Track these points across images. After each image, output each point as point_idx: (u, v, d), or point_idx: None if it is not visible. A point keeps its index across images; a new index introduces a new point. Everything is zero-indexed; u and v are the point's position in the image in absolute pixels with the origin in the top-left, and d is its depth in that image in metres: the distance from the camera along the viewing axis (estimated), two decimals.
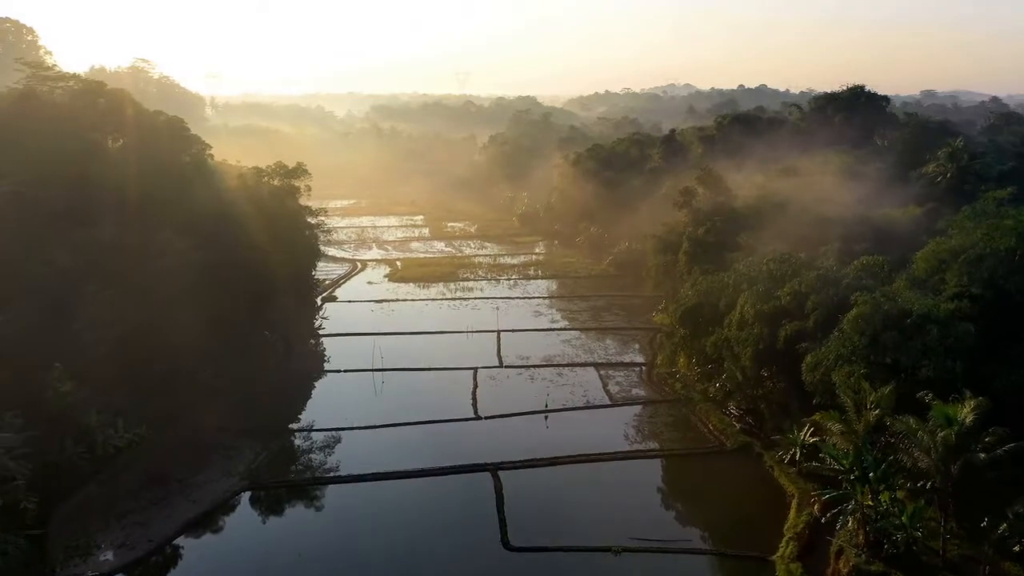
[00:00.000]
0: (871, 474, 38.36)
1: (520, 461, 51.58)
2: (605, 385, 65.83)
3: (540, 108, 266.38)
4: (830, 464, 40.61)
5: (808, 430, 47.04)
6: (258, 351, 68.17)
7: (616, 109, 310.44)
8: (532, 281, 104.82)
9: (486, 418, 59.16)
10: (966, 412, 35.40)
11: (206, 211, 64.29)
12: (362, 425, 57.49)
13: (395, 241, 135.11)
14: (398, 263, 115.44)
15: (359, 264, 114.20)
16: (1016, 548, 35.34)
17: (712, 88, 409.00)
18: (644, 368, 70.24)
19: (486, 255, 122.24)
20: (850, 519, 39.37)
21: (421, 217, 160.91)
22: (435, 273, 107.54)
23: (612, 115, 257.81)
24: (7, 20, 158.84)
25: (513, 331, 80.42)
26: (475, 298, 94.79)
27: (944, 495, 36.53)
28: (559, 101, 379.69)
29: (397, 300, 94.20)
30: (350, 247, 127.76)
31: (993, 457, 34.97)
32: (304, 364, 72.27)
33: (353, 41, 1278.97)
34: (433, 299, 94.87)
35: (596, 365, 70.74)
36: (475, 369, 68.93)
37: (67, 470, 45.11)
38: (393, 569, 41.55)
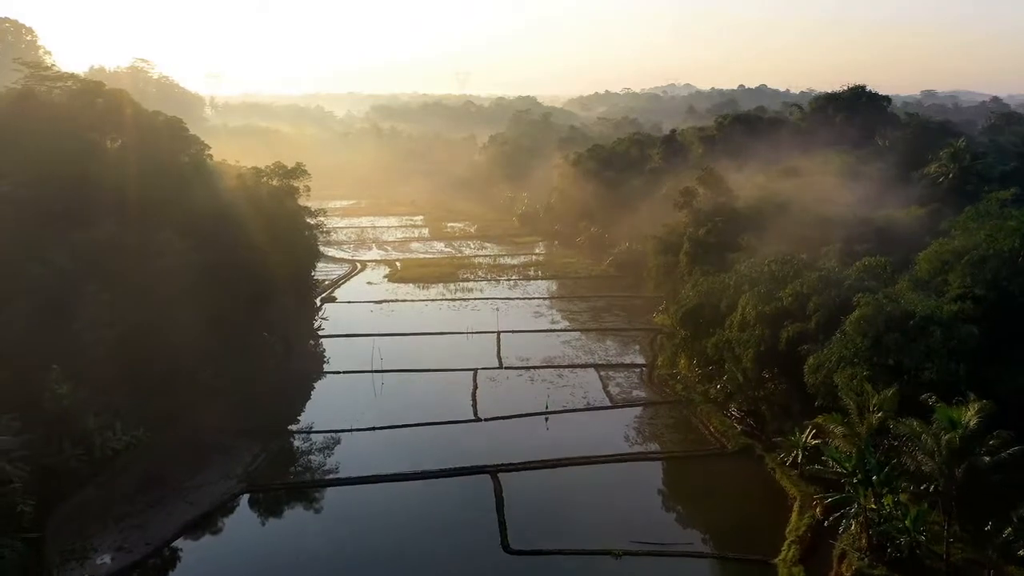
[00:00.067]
0: (874, 477, 38.12)
1: (520, 463, 51.29)
2: (605, 386, 65.57)
3: (540, 108, 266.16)
4: (832, 467, 40.36)
5: (810, 432, 46.82)
6: (257, 352, 67.89)
7: (616, 109, 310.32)
8: (532, 282, 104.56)
9: (486, 420, 58.88)
10: (970, 415, 35.12)
11: (205, 211, 64.07)
12: (361, 427, 57.21)
13: (395, 241, 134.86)
14: (398, 264, 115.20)
15: (359, 264, 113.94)
16: (1021, 552, 35.09)
17: (712, 88, 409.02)
18: (645, 369, 69.98)
19: (486, 255, 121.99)
20: (853, 522, 39.16)
21: (421, 217, 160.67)
22: (435, 274, 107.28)
23: (612, 115, 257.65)
24: (6, 20, 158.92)
25: (513, 332, 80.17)
26: (475, 299, 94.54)
27: (948, 498, 36.23)
28: (559, 101, 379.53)
29: (397, 301, 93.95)
30: (350, 247, 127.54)
31: (997, 460, 34.72)
32: (303, 365, 72.02)
33: (353, 41, 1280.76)
34: (433, 300, 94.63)
35: (596, 366, 70.48)
36: (475, 370, 68.66)
37: (65, 473, 44.84)
38: (392, 572, 41.29)
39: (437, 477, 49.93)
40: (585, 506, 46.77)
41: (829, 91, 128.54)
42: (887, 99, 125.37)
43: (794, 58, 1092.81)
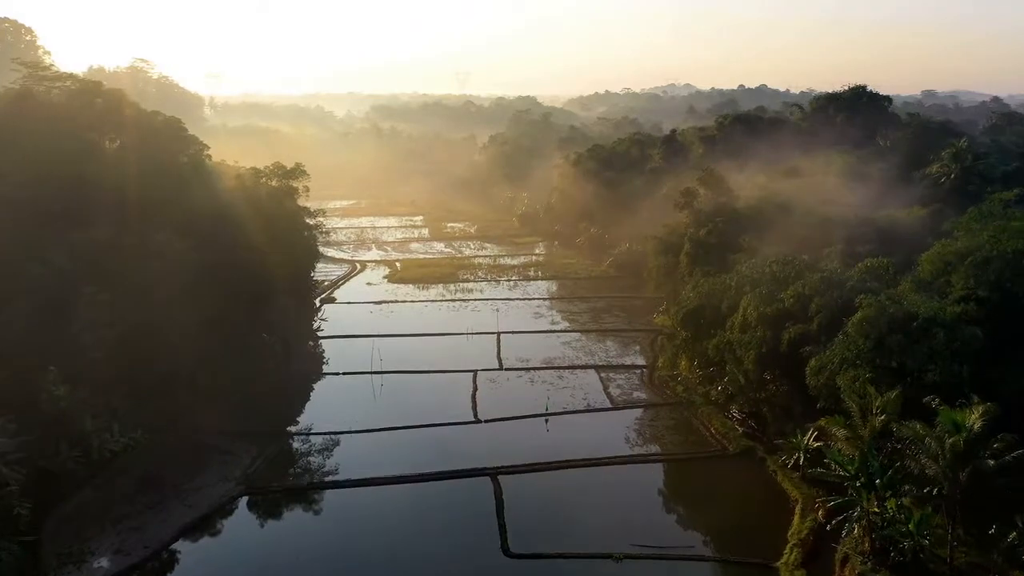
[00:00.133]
0: (877, 480, 37.88)
1: (520, 465, 51.00)
2: (606, 388, 65.31)
3: (540, 108, 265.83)
4: (835, 470, 40.14)
5: (812, 434, 46.53)
6: (256, 353, 67.58)
7: (616, 109, 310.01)
8: (532, 282, 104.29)
9: (486, 421, 58.62)
10: (974, 418, 34.83)
11: (204, 212, 63.77)
12: (361, 428, 56.94)
13: (394, 242, 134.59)
14: (397, 264, 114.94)
15: (358, 265, 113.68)
16: None
17: (712, 88, 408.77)
18: (645, 371, 69.69)
19: (486, 256, 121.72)
20: (856, 526, 38.90)
21: (421, 218, 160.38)
22: (435, 274, 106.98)
23: (612, 115, 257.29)
24: (5, 20, 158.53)
25: (513, 333, 79.90)
26: (475, 299, 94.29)
27: (952, 502, 35.92)
28: (559, 101, 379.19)
29: (396, 301, 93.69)
30: (349, 248, 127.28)
31: (1002, 464, 34.41)
32: (303, 366, 71.76)
33: (353, 41, 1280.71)
34: (432, 300, 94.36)
35: (597, 367, 70.21)
36: (475, 372, 68.39)
37: (62, 475, 44.63)
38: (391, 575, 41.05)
39: (436, 479, 49.69)
40: (585, 508, 46.55)
41: (829, 91, 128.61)
42: (888, 99, 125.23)
43: (794, 58, 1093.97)
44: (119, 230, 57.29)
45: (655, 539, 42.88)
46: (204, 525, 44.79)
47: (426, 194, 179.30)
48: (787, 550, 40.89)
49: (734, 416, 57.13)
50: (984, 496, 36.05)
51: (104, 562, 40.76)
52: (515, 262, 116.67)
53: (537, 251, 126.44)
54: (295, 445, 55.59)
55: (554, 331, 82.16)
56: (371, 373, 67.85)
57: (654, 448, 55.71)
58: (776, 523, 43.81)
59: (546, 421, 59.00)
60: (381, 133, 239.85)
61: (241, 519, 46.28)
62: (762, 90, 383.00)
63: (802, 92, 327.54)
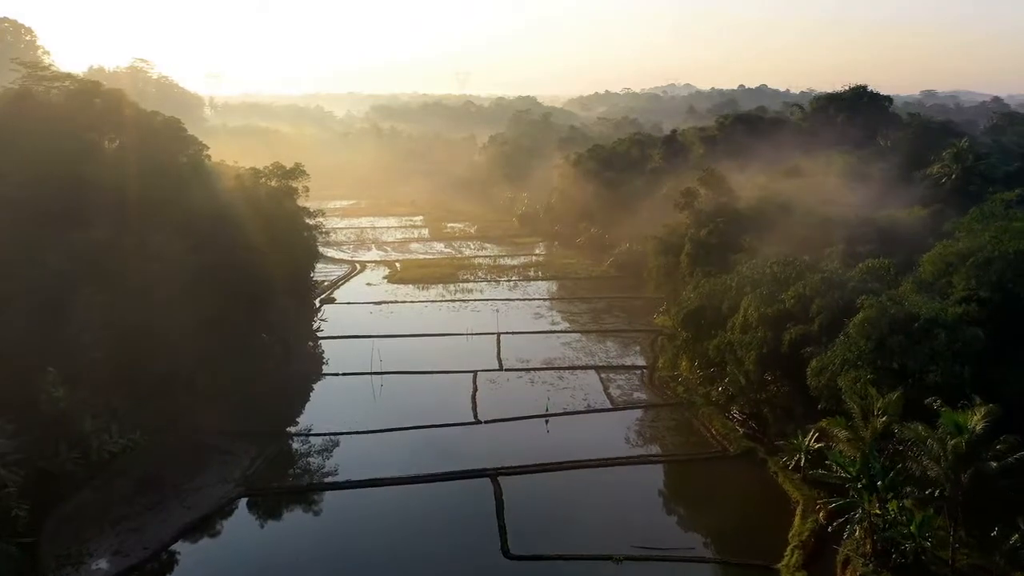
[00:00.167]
0: (879, 482, 37.71)
1: (520, 466, 50.85)
2: (606, 388, 65.18)
3: (540, 108, 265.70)
4: (836, 471, 39.96)
5: (813, 436, 46.38)
6: (256, 353, 67.48)
7: (616, 109, 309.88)
8: (532, 283, 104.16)
9: (486, 422, 58.50)
10: (976, 419, 34.68)
11: (203, 212, 63.66)
12: (360, 429, 56.81)
13: (394, 242, 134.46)
14: (397, 264, 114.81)
15: (358, 265, 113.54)
16: None
17: (712, 88, 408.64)
18: (645, 371, 69.55)
19: (486, 256, 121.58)
20: (857, 528, 38.74)
21: (420, 218, 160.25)
22: (435, 274, 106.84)
23: (612, 115, 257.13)
24: (5, 20, 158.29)
25: (513, 333, 79.77)
26: (475, 300, 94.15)
27: (954, 504, 35.77)
28: (559, 101, 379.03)
29: (396, 302, 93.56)
30: (349, 248, 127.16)
31: (1004, 465, 34.25)
32: (302, 366, 71.63)
33: (353, 41, 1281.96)
34: (432, 301, 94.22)
35: (597, 368, 70.09)
36: (475, 372, 68.24)
37: (61, 476, 44.50)
38: None
39: (436, 480, 49.54)
40: (585, 509, 46.42)
41: (830, 91, 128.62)
42: (888, 99, 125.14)
43: (794, 58, 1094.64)
44: (118, 230, 57.11)
45: (655, 540, 42.73)
46: (204, 526, 44.68)
47: (426, 194, 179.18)
48: (788, 552, 40.74)
49: (735, 417, 57.00)
50: (986, 498, 35.92)
51: (103, 563, 40.64)
52: (515, 262, 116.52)
53: (537, 251, 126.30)
54: (295, 446, 55.47)
55: (554, 331, 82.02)
56: (371, 374, 67.71)
57: (654, 449, 55.58)
58: (777, 524, 43.66)
59: (546, 422, 58.87)
60: (381, 133, 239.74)
61: (241, 520, 46.16)
62: (762, 90, 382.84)
63: (802, 92, 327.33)
